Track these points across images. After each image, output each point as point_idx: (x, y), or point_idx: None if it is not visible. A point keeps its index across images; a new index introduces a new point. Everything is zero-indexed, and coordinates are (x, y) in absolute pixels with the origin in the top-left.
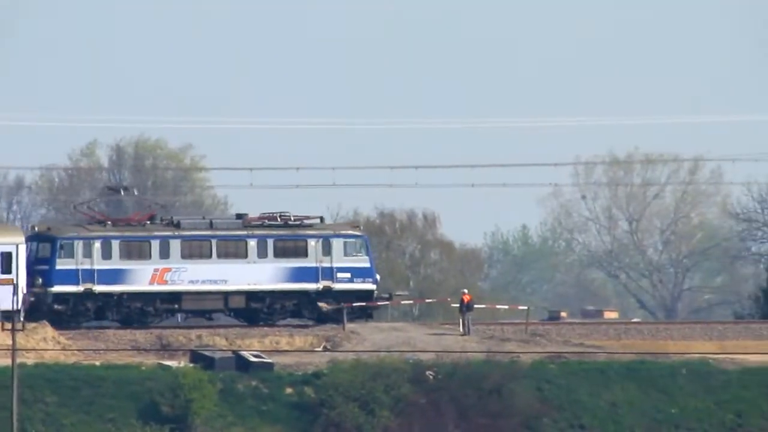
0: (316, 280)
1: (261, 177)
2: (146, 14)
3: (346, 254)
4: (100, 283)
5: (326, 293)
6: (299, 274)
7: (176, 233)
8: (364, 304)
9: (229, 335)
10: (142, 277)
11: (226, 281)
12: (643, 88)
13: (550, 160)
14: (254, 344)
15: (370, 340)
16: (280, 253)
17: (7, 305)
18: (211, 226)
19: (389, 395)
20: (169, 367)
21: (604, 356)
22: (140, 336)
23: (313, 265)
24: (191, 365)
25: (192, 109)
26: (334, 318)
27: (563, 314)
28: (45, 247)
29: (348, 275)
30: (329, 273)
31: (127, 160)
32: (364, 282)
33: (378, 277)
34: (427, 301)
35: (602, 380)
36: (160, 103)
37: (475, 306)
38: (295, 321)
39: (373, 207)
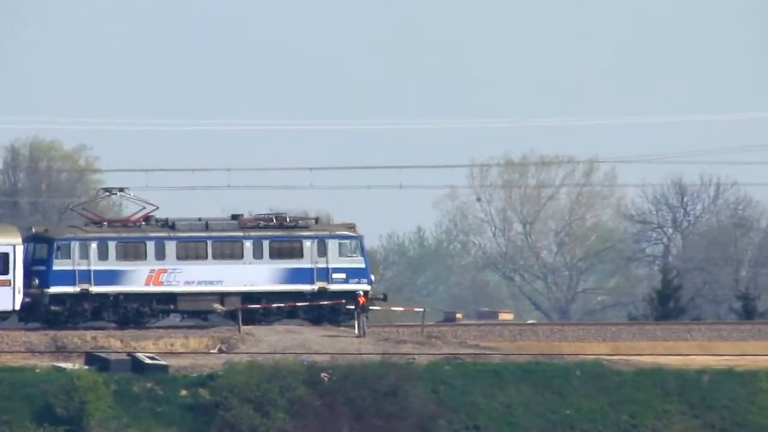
0: (312, 281)
1: (156, 178)
2: (45, 15)
3: (341, 255)
4: (96, 284)
5: (322, 294)
6: (295, 275)
7: (172, 234)
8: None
9: (124, 337)
10: (138, 278)
11: (221, 282)
12: (538, 91)
13: (445, 162)
14: (149, 346)
15: (265, 341)
16: (276, 254)
17: (5, 306)
18: (206, 227)
19: (284, 397)
20: (63, 369)
21: (500, 358)
22: (35, 338)
23: (309, 266)
24: (86, 367)
25: (87, 110)
26: (331, 318)
27: (459, 316)
28: (42, 248)
29: (343, 276)
30: (325, 274)
31: (21, 161)
32: (359, 283)
33: (373, 277)
34: (323, 303)
35: (497, 381)
36: (55, 103)
37: (371, 308)
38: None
39: (268, 209)
